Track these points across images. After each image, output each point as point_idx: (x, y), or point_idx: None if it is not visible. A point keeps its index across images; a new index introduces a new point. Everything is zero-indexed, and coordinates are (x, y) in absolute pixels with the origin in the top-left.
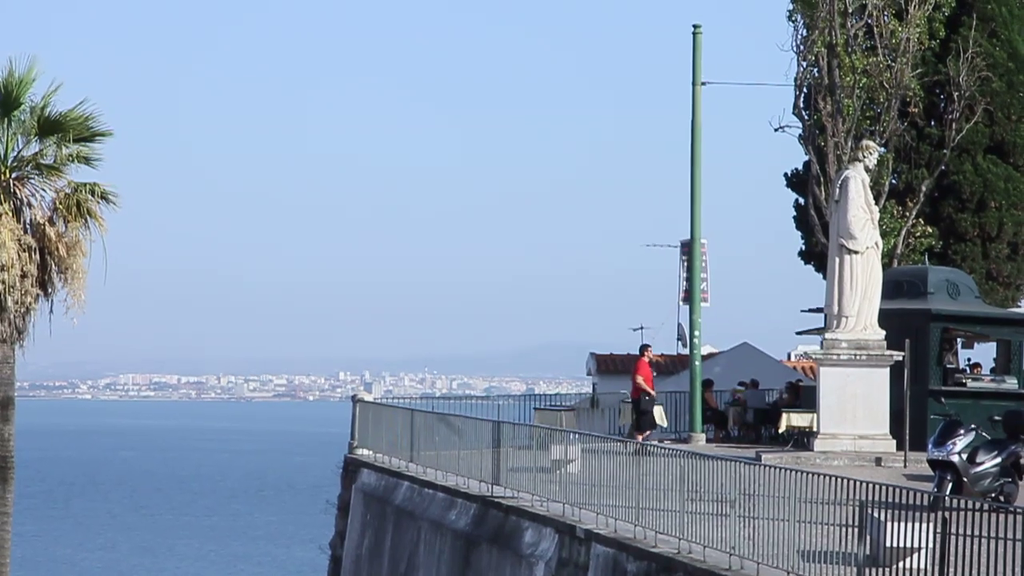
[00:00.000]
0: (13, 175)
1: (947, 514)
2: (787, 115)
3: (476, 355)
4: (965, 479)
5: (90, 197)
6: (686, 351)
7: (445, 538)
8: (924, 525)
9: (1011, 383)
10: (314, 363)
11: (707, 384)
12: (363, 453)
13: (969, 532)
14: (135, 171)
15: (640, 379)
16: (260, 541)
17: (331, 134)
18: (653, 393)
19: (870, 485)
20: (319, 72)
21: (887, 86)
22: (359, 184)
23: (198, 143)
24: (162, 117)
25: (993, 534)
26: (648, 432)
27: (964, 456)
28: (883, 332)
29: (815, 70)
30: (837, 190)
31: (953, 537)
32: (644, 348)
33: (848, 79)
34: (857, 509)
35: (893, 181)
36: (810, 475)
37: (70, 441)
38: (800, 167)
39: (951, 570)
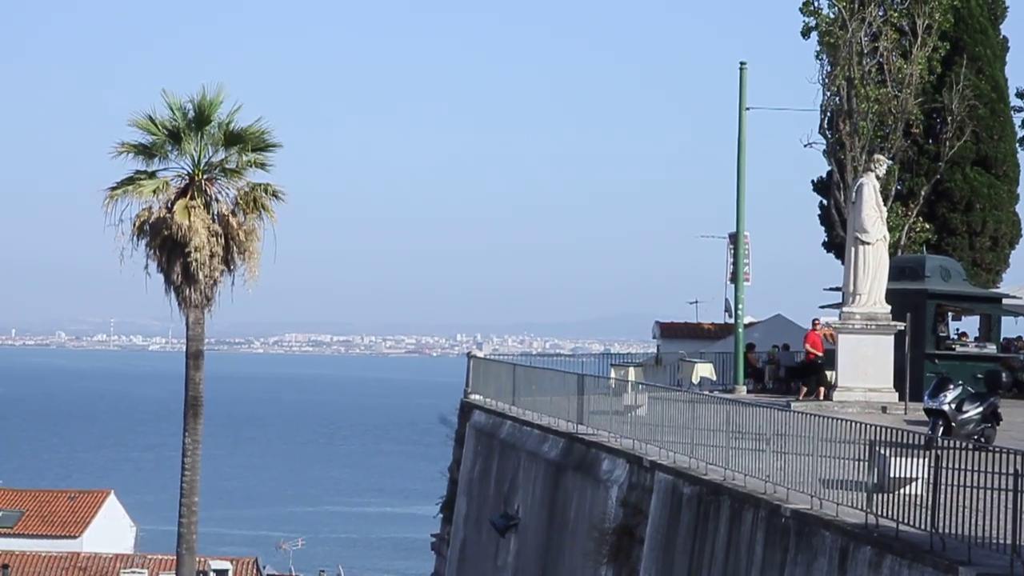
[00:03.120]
0: (204, 176)
1: (939, 452)
2: (814, 134)
3: (564, 321)
4: (953, 424)
5: (264, 194)
6: (731, 321)
7: (539, 465)
8: (920, 460)
9: (991, 348)
10: (437, 326)
11: (749, 347)
12: (475, 398)
13: (957, 466)
14: (299, 173)
15: (808, 345)
16: (394, 461)
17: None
18: (821, 355)
19: (878, 428)
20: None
21: (894, 111)
22: (461, 196)
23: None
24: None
25: (975, 468)
26: (819, 389)
27: (953, 406)
28: (889, 307)
29: (837, 98)
30: (853, 194)
31: (944, 470)
32: (814, 321)
33: (863, 106)
34: (867, 447)
35: (898, 187)
36: (829, 419)
37: (246, 385)
38: (824, 175)
39: (942, 496)
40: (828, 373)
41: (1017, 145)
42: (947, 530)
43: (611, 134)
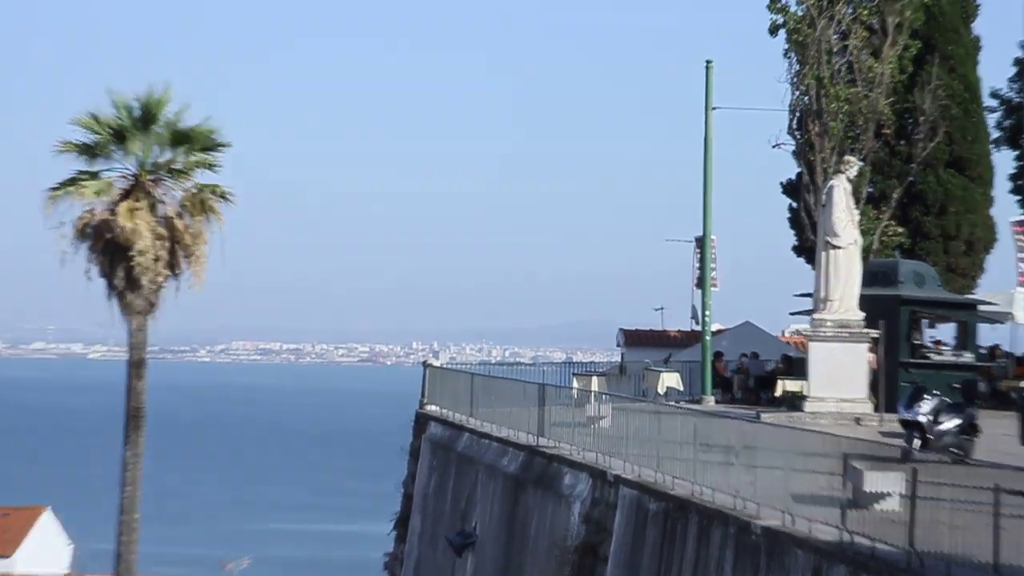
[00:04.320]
0: (150, 177)
1: (916, 465)
2: (783, 134)
3: (525, 329)
4: (930, 436)
5: (211, 196)
6: (699, 328)
7: (498, 480)
8: (897, 474)
9: (968, 357)
10: (392, 334)
11: (716, 355)
12: (431, 409)
13: (934, 480)
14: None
15: None
16: (344, 477)
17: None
18: None
19: (851, 440)
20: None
21: (865, 112)
22: (422, 196)
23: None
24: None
25: (953, 482)
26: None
27: (929, 417)
28: (862, 314)
29: (806, 98)
30: (824, 196)
31: (921, 485)
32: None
33: (833, 105)
34: (841, 460)
35: (870, 189)
36: (801, 431)
37: (190, 395)
38: (794, 177)
39: (919, 512)
40: (794, 383)
41: (991, 146)
42: (925, 548)
43: (573, 133)
